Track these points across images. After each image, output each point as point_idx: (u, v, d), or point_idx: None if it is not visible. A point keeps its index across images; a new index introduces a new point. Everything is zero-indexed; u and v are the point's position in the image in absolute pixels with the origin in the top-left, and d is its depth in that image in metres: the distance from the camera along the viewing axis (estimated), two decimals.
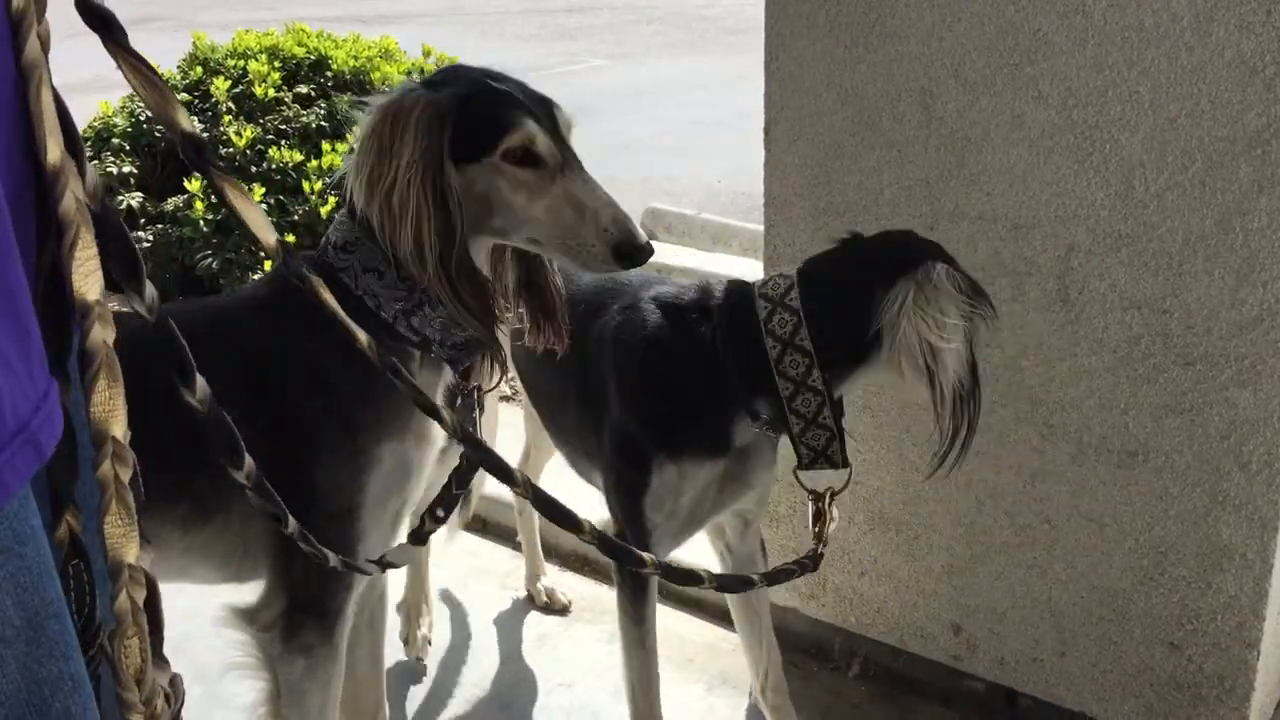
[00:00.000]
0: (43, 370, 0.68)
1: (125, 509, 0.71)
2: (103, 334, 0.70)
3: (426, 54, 4.21)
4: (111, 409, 0.70)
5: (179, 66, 4.03)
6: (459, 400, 1.51)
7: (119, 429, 0.71)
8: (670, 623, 2.37)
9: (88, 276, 0.70)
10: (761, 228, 2.15)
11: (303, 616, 1.49)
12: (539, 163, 1.37)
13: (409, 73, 4.01)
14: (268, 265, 3.36)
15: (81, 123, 4.20)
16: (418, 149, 1.32)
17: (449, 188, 1.34)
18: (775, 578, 1.66)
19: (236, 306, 1.56)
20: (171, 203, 3.62)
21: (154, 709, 0.72)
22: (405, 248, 1.33)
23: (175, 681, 0.76)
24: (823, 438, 1.66)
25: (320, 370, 1.43)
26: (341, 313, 1.04)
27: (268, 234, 0.95)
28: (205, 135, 3.74)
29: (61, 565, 0.73)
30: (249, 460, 0.99)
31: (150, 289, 0.78)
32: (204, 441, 0.94)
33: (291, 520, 1.10)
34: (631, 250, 1.35)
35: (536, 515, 2.36)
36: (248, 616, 1.51)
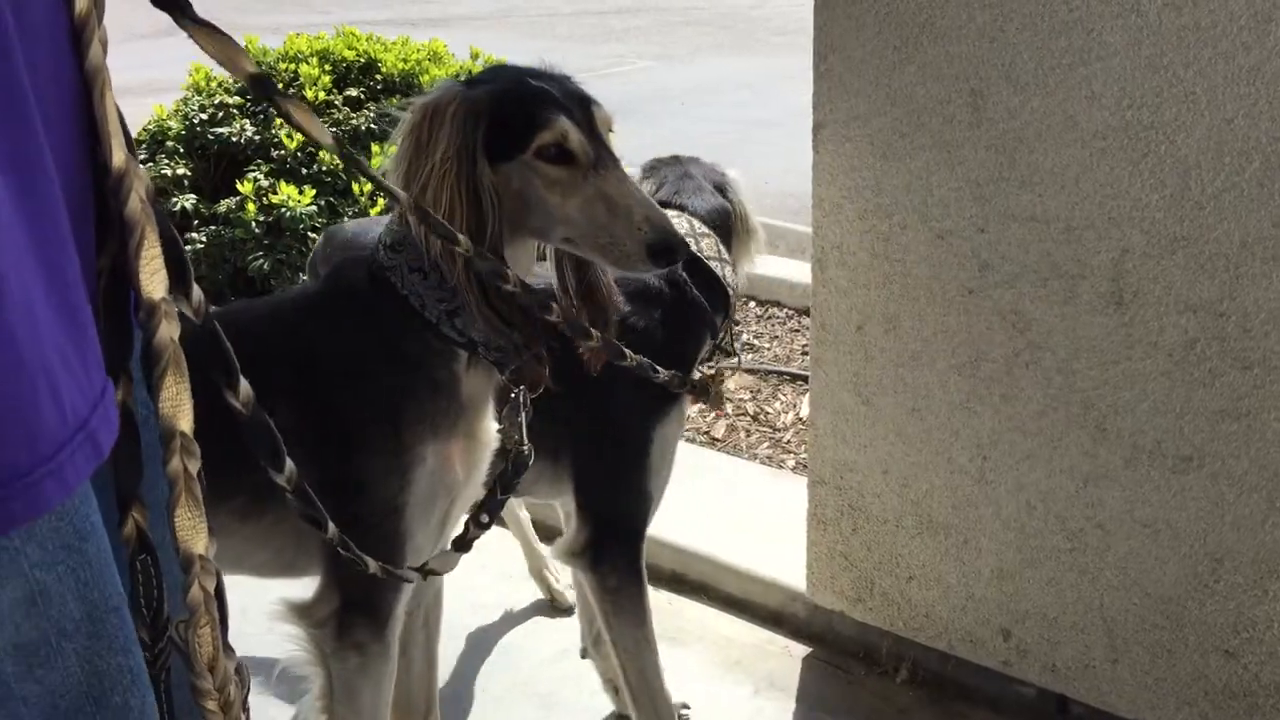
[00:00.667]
0: (99, 369, 0.69)
1: (194, 501, 0.72)
2: (169, 331, 0.72)
3: (474, 56, 4.23)
4: (179, 404, 0.72)
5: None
6: (506, 403, 1.50)
7: (186, 424, 0.73)
8: (716, 624, 2.37)
9: (153, 275, 0.72)
10: (808, 229, 2.15)
11: (355, 614, 1.50)
12: (572, 160, 1.36)
13: (457, 75, 4.04)
14: None
15: (136, 126, 4.27)
16: (452, 145, 1.32)
17: (482, 184, 1.34)
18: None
19: (287, 305, 1.58)
20: (224, 204, 3.67)
21: (227, 695, 0.74)
22: (436, 246, 1.34)
23: (241, 669, 0.78)
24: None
25: (366, 367, 1.44)
26: (383, 181, 1.10)
27: (324, 134, 0.98)
28: (258, 138, 3.79)
29: (129, 560, 0.75)
30: (290, 464, 1.00)
31: (197, 291, 0.80)
32: (245, 438, 0.96)
33: (331, 526, 1.11)
34: (666, 249, 1.33)
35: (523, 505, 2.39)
36: (302, 612, 1.53)
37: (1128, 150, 1.72)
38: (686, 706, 2.12)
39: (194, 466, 0.74)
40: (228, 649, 0.76)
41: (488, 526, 1.50)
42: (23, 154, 0.63)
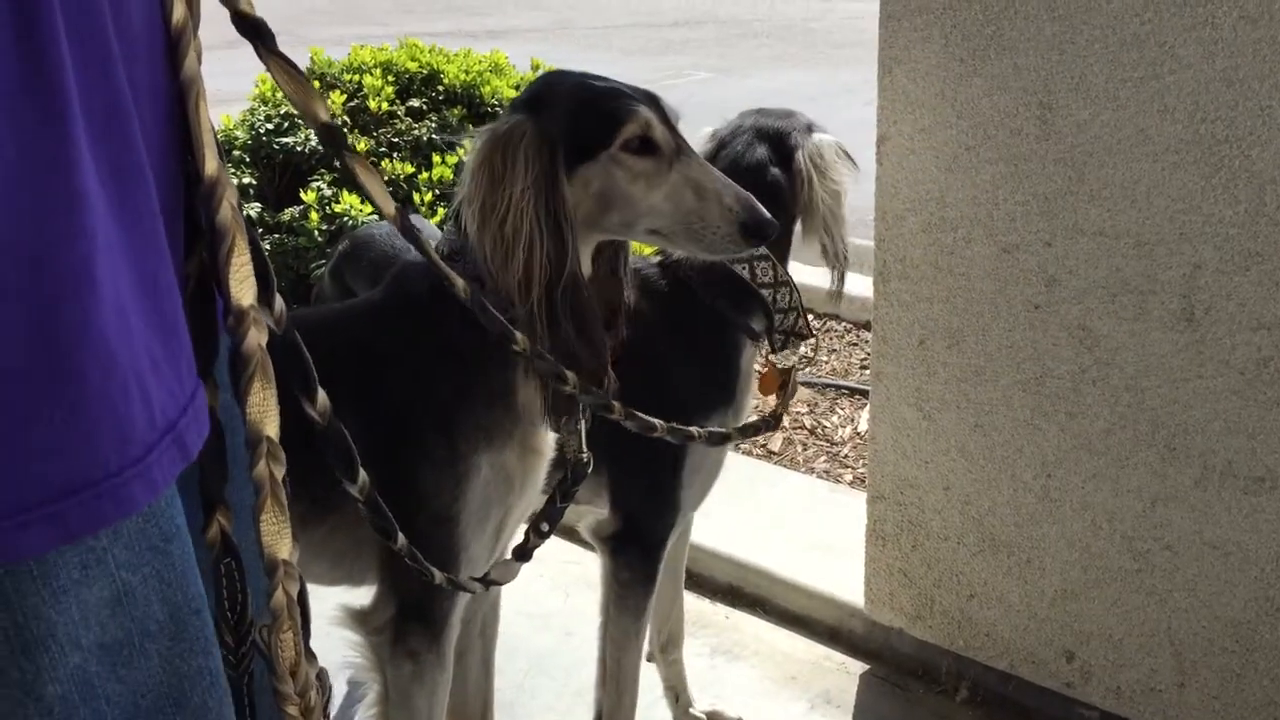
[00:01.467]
0: (190, 373, 0.70)
1: (279, 507, 0.73)
2: (257, 338, 0.73)
3: (535, 68, 4.25)
4: (266, 410, 0.73)
5: None
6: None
7: (273, 429, 0.73)
8: (772, 638, 2.36)
9: (242, 282, 0.73)
10: (869, 242, 2.13)
11: (411, 623, 1.50)
12: (655, 150, 1.37)
13: (518, 86, 4.06)
14: None
15: None
16: (530, 175, 1.33)
17: (563, 211, 1.35)
18: (745, 432, 1.78)
19: (348, 312, 1.60)
20: (288, 213, 3.71)
21: (308, 700, 0.74)
22: (514, 276, 1.34)
23: (322, 675, 0.78)
24: (790, 318, 1.81)
25: (423, 374, 1.45)
26: (439, 261, 1.10)
27: (387, 203, 0.99)
28: (321, 148, 3.84)
29: (213, 563, 0.76)
30: (363, 474, 1.01)
31: (279, 301, 0.80)
32: (320, 448, 0.96)
33: (401, 537, 1.12)
34: (758, 227, 1.36)
35: None
36: (360, 618, 1.54)
37: (1200, 164, 1.69)
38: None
39: (279, 472, 0.74)
40: (309, 654, 0.77)
41: (548, 535, 1.50)
42: (122, 166, 0.65)
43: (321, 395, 0.89)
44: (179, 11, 0.73)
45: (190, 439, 0.68)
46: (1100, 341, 1.84)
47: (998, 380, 1.96)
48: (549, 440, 1.53)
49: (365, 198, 0.95)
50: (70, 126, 0.59)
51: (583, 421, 1.50)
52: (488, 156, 1.36)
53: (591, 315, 1.39)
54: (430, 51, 4.17)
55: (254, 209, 3.75)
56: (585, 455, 1.49)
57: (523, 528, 1.54)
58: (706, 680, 2.23)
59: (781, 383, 1.84)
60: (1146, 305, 1.78)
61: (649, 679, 2.18)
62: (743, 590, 2.48)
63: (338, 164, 3.75)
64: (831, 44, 11.68)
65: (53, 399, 0.59)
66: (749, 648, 2.34)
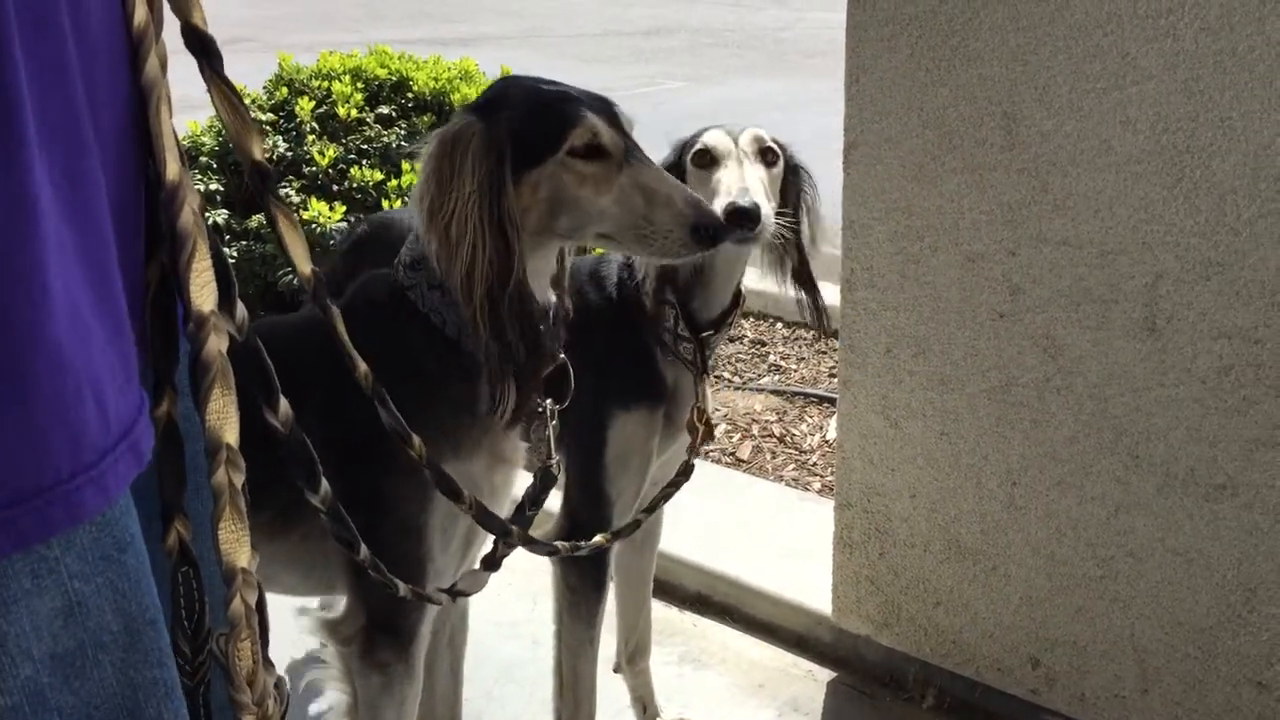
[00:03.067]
0: (137, 380, 0.69)
1: (238, 514, 0.73)
2: (218, 344, 0.72)
3: (504, 75, 4.25)
4: (225, 417, 0.72)
5: (265, 87, 4.12)
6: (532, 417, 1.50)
7: (232, 436, 0.73)
8: (740, 646, 2.36)
9: (203, 288, 0.72)
10: (837, 251, 2.14)
11: (380, 634, 1.49)
12: (604, 154, 1.36)
13: None
14: None
15: None
16: (475, 178, 1.33)
17: (508, 215, 1.34)
18: (621, 533, 1.69)
19: (312, 321, 1.58)
20: (255, 220, 3.69)
21: (265, 709, 0.73)
22: (456, 277, 1.34)
23: (280, 684, 0.77)
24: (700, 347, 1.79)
25: (386, 384, 1.44)
26: (350, 347, 1.06)
27: (304, 265, 0.93)
28: (290, 154, 3.82)
29: (171, 572, 0.75)
30: (325, 484, 0.99)
31: (241, 308, 0.79)
32: (282, 457, 0.94)
33: (364, 548, 1.10)
34: (712, 230, 1.33)
35: None
36: (330, 629, 1.53)
37: (1162, 175, 1.71)
38: None
39: (239, 479, 0.74)
40: (267, 663, 0.76)
41: (515, 544, 1.48)
42: (74, 169, 0.64)
43: (283, 403, 0.87)
44: (140, 15, 0.72)
45: (144, 445, 0.68)
46: (1064, 350, 1.85)
47: (963, 388, 1.97)
48: (519, 448, 1.52)
49: (281, 251, 0.92)
50: (21, 128, 0.58)
51: (550, 428, 1.49)
52: (437, 158, 1.36)
53: (532, 321, 1.38)
54: (400, 59, 4.16)
55: (221, 216, 3.72)
56: (554, 461, 1.48)
57: (491, 537, 1.53)
58: (674, 688, 2.22)
59: (691, 423, 1.80)
60: (1109, 314, 1.80)
61: (617, 689, 2.17)
62: (711, 598, 2.48)
63: (305, 170, 3.73)
64: (801, 53, 11.73)
65: (2, 404, 0.58)
66: (716, 656, 2.34)
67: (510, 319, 1.34)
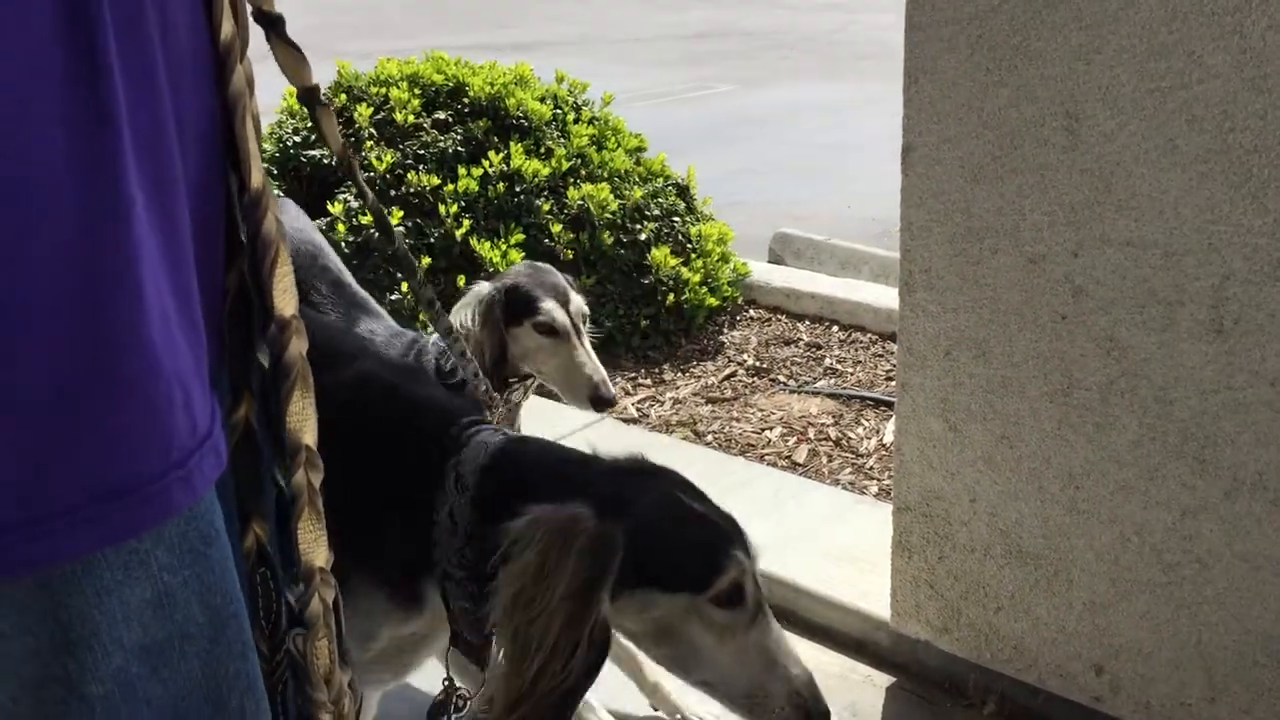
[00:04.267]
0: (209, 385, 0.71)
1: (316, 514, 0.74)
2: (299, 347, 0.74)
3: (560, 80, 4.28)
4: (305, 418, 0.74)
5: (324, 94, 4.17)
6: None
7: (311, 438, 0.74)
8: (800, 651, 2.34)
9: (285, 292, 0.74)
10: (892, 253, 2.13)
11: None
12: (740, 604, 1.24)
13: (542, 98, 4.08)
14: (404, 287, 3.45)
15: None
16: (573, 584, 1.19)
17: (596, 627, 1.20)
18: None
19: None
20: (315, 225, 3.74)
21: (341, 708, 0.75)
22: (524, 679, 1.20)
23: (353, 683, 0.78)
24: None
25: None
26: None
27: (336, 144, 0.96)
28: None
29: (249, 573, 0.76)
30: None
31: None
32: None
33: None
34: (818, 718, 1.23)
35: None
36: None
37: (1229, 174, 1.68)
38: None
39: (317, 480, 0.75)
40: (342, 662, 0.77)
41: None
42: (160, 177, 0.66)
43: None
44: (227, 28, 0.74)
45: (223, 446, 0.69)
46: (1128, 353, 1.83)
47: (1024, 391, 1.95)
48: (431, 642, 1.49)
49: (377, 248, 0.93)
50: (119, 134, 0.60)
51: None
52: (539, 545, 1.22)
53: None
54: (456, 64, 4.20)
55: None
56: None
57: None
58: None
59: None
60: (1175, 316, 1.77)
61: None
62: (769, 602, 2.47)
63: (363, 174, 3.77)
64: (854, 55, 11.68)
65: (100, 404, 0.60)
66: None
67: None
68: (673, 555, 1.23)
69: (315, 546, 0.73)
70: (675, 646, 1.25)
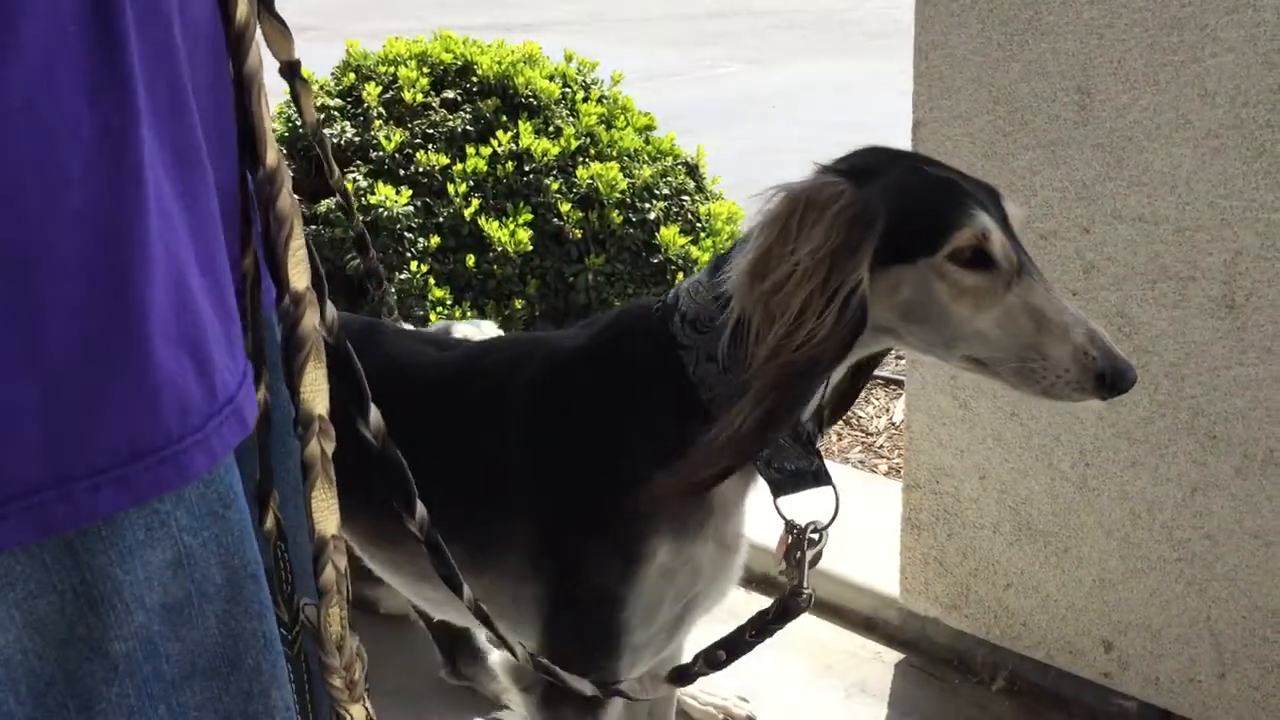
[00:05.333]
0: (242, 351, 0.72)
1: (329, 484, 0.74)
2: (312, 319, 0.74)
3: (569, 59, 4.26)
4: (318, 390, 0.75)
5: (333, 73, 4.17)
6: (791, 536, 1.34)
7: (323, 408, 0.75)
8: (809, 628, 2.35)
9: (298, 265, 0.75)
10: None
11: (562, 694, 1.33)
12: (990, 265, 1.16)
13: (551, 77, 4.07)
14: (413, 265, 3.45)
15: None
16: (827, 246, 1.12)
17: (860, 297, 1.14)
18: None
19: (560, 352, 1.40)
20: (324, 204, 3.74)
21: (353, 673, 0.76)
22: (763, 351, 1.14)
23: (360, 650, 0.80)
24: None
25: (618, 441, 1.30)
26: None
27: (310, 115, 0.92)
28: (358, 139, 3.86)
29: (270, 547, 0.79)
30: (421, 509, 0.93)
31: (331, 308, 0.80)
32: (376, 472, 0.90)
33: (467, 592, 1.03)
34: (1117, 378, 1.15)
35: None
36: (514, 671, 1.45)
37: (1242, 149, 1.67)
38: (745, 700, 2.10)
39: (330, 449, 0.75)
40: (352, 629, 0.78)
41: (722, 667, 1.33)
42: (181, 146, 0.67)
43: (375, 413, 0.85)
44: (243, 8, 0.74)
45: (248, 412, 0.71)
46: (1139, 329, 1.82)
47: None
48: (741, 538, 1.41)
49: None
50: (134, 101, 0.61)
51: (808, 553, 1.32)
52: (782, 215, 1.16)
53: (794, 412, 1.19)
54: (465, 43, 4.19)
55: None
56: (806, 593, 1.32)
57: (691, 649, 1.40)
58: (741, 669, 2.22)
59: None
60: (1186, 292, 1.77)
61: None
62: (778, 580, 2.48)
63: (371, 155, 3.76)
64: (866, 35, 11.62)
65: (120, 368, 0.62)
66: (784, 637, 2.30)
67: (787, 408, 1.16)
68: (909, 219, 1.16)
69: (328, 515, 0.73)
70: (931, 325, 1.18)
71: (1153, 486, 1.87)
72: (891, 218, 1.15)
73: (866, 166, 1.21)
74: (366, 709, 0.78)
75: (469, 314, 3.54)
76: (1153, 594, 1.92)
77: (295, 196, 0.77)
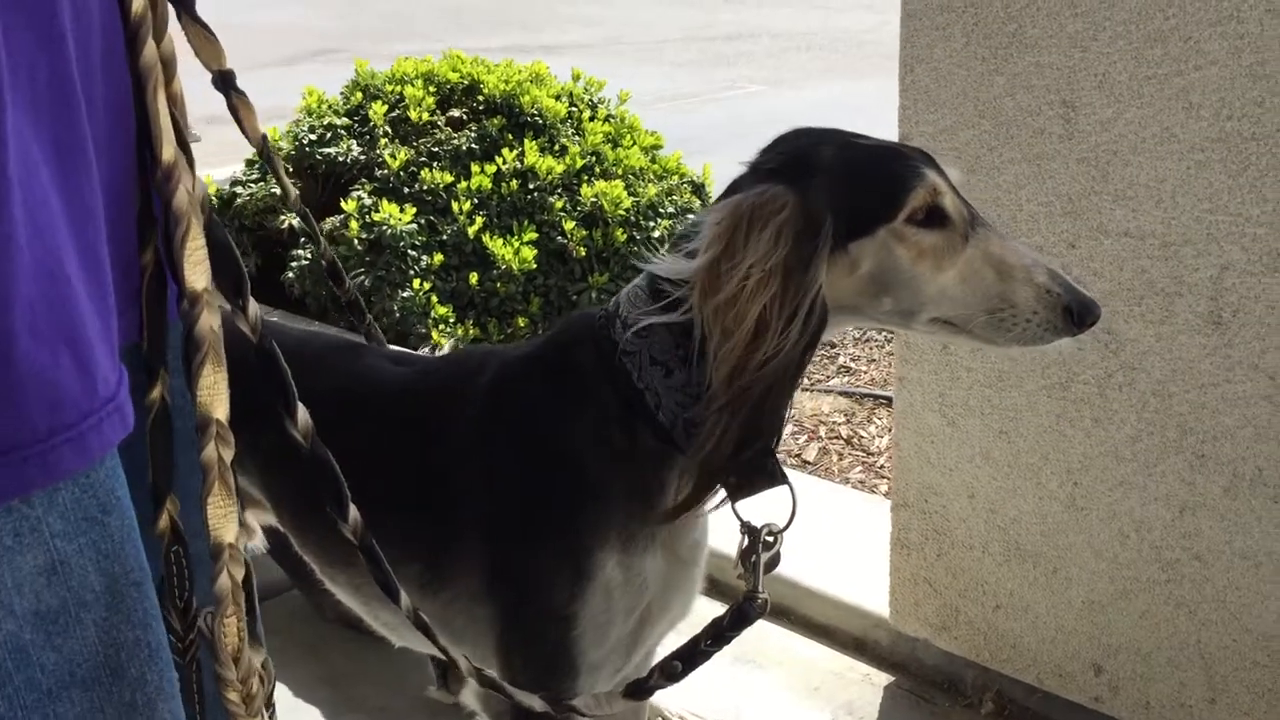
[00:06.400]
0: (119, 353, 0.71)
1: (226, 490, 0.73)
2: (210, 321, 0.73)
3: (576, 78, 4.27)
4: (216, 393, 0.73)
5: (341, 92, 4.19)
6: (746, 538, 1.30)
7: (222, 412, 0.73)
8: (797, 648, 2.33)
9: (196, 266, 0.73)
10: None
11: (530, 715, 1.28)
12: (945, 222, 1.17)
13: (558, 96, 4.07)
14: (416, 283, 3.45)
15: (250, 149, 4.37)
16: (776, 257, 1.12)
17: (815, 304, 1.14)
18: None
19: (506, 362, 1.40)
20: (329, 222, 3.75)
21: (249, 688, 0.74)
22: (724, 367, 1.14)
23: (267, 664, 0.78)
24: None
25: (562, 450, 1.28)
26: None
27: (257, 133, 0.91)
28: (364, 157, 3.88)
29: (163, 552, 0.76)
30: (354, 513, 0.91)
31: (254, 307, 0.79)
32: (309, 476, 0.88)
33: (405, 599, 1.00)
34: (1084, 311, 1.15)
35: None
36: (483, 698, 1.40)
37: (1227, 163, 1.64)
38: None
39: (228, 455, 0.74)
40: (255, 642, 0.76)
41: (679, 678, 1.27)
42: (63, 139, 0.66)
43: (303, 413, 0.84)
44: (138, 2, 0.73)
45: (128, 411, 0.69)
46: (1126, 345, 1.79)
47: (1022, 385, 1.92)
48: (698, 548, 1.38)
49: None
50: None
51: (763, 556, 1.29)
52: (727, 230, 1.15)
53: (777, 423, 1.18)
54: (472, 63, 4.20)
55: (295, 219, 3.79)
56: (761, 598, 1.27)
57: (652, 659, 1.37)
58: (728, 689, 2.20)
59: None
60: (1173, 308, 1.74)
61: None
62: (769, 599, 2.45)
63: (377, 173, 3.77)
64: (884, 55, 11.58)
65: None
66: (773, 657, 2.30)
67: (766, 420, 1.16)
68: (860, 194, 1.16)
69: (225, 523, 0.72)
70: (897, 292, 1.18)
71: (1141, 506, 1.84)
72: (841, 199, 1.15)
73: (799, 155, 1.20)
74: None
75: (472, 332, 3.54)
76: (1142, 616, 1.89)
77: (200, 193, 0.75)
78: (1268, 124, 1.60)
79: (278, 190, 3.88)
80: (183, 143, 0.77)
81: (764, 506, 1.29)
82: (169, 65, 0.76)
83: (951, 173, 1.23)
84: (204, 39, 0.82)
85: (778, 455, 1.27)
